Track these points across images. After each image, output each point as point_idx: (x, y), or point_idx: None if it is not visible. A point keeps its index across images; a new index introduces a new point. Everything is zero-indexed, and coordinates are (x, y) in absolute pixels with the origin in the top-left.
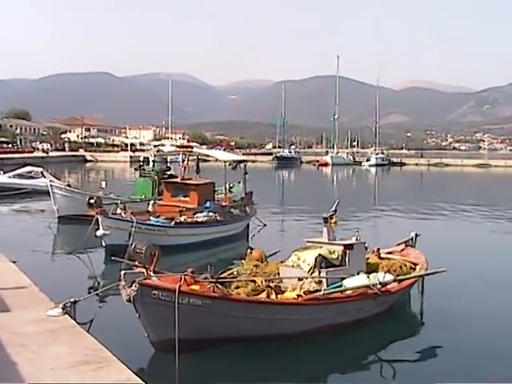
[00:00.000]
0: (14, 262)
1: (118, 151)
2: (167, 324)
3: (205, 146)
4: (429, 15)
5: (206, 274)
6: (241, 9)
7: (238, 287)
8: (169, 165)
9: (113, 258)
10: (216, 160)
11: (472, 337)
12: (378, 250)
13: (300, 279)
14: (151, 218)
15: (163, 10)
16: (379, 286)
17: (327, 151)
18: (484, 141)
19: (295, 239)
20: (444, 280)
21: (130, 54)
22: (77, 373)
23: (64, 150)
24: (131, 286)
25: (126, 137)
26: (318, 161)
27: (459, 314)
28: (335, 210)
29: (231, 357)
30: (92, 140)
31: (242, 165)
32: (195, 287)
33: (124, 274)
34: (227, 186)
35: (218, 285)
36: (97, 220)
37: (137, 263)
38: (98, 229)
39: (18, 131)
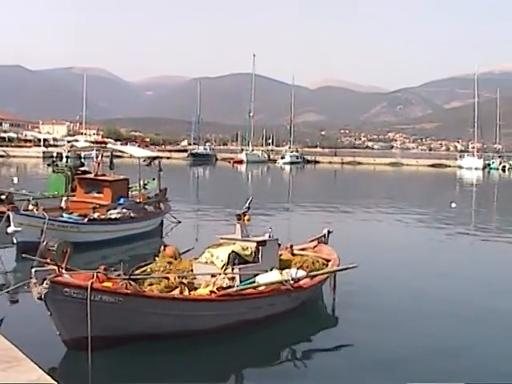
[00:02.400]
0: None
1: (30, 146)
2: (79, 322)
3: (119, 142)
4: (342, 15)
5: (118, 271)
6: (155, 3)
7: (151, 284)
8: (82, 161)
9: (24, 255)
10: (130, 156)
11: (383, 333)
12: (291, 246)
13: (213, 276)
14: (64, 214)
15: (77, 3)
16: (292, 282)
17: (242, 149)
18: (396, 140)
19: (209, 236)
20: (356, 276)
21: (42, 47)
22: None
23: None
24: (42, 283)
25: (39, 132)
26: (232, 158)
27: (370, 310)
28: (248, 207)
29: (145, 354)
30: (4, 135)
31: (157, 161)
32: (108, 284)
33: (35, 271)
34: (142, 182)
35: (130, 282)
36: (8, 216)
37: (48, 260)
38: (9, 225)
39: None
